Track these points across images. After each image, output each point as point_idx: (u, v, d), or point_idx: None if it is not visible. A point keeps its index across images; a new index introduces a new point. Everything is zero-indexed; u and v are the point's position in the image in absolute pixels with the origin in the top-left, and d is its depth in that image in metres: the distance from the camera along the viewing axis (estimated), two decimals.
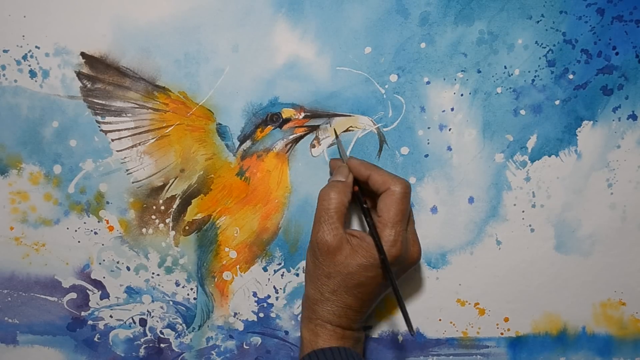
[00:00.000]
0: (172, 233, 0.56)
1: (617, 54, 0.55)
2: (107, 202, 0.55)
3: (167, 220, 0.56)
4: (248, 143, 0.55)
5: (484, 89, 0.55)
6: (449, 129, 0.56)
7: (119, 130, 0.54)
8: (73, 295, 0.57)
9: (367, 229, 0.50)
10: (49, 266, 0.56)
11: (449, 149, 0.56)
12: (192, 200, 0.56)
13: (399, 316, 0.58)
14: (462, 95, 0.55)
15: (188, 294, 0.57)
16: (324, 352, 0.49)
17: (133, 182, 0.55)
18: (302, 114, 0.55)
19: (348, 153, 0.56)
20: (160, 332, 0.58)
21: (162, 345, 0.58)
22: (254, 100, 0.55)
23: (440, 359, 0.59)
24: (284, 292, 0.57)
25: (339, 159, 0.55)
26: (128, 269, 0.57)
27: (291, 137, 0.55)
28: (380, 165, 0.56)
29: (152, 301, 0.57)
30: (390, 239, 0.49)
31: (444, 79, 0.55)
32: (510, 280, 0.58)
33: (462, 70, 0.55)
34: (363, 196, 0.52)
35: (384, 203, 0.50)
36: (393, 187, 0.49)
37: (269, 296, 0.58)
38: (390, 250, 0.48)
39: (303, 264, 0.57)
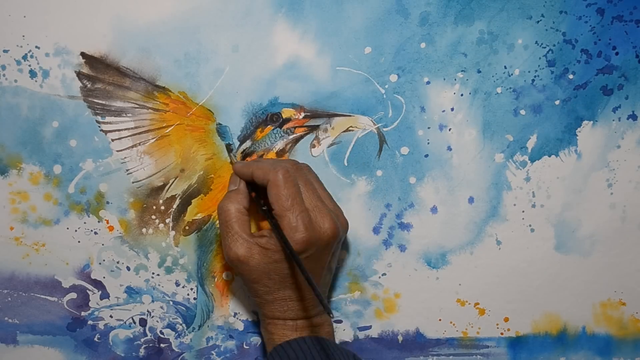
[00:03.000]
0: (172, 233, 0.56)
1: (617, 54, 0.55)
2: (107, 202, 0.55)
3: (167, 220, 0.56)
4: (248, 143, 0.55)
5: (484, 89, 0.55)
6: (449, 129, 0.56)
7: (119, 130, 0.54)
8: (73, 295, 0.57)
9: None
10: (49, 266, 0.56)
11: (449, 149, 0.56)
12: (192, 200, 0.56)
13: (399, 316, 0.58)
14: (462, 95, 0.55)
15: (188, 294, 0.57)
16: (282, 346, 0.49)
17: (133, 182, 0.55)
18: (302, 114, 0.55)
19: (348, 153, 0.56)
20: (160, 332, 0.58)
21: (162, 345, 0.58)
22: (254, 100, 0.55)
23: (440, 359, 0.59)
24: None
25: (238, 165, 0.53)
26: (128, 269, 0.57)
27: (291, 137, 0.55)
28: (380, 165, 0.56)
29: (152, 301, 0.57)
30: (291, 225, 0.47)
31: (444, 79, 0.55)
32: (510, 280, 0.58)
33: (462, 70, 0.55)
34: (263, 197, 0.50)
35: (270, 195, 0.48)
36: (272, 176, 0.48)
37: None
38: (296, 236, 0.47)
39: None
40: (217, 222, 0.56)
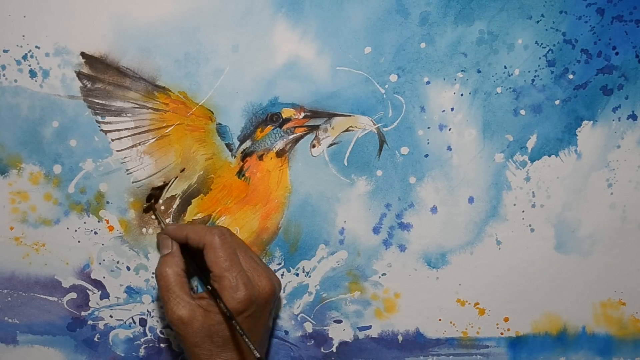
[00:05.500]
0: None
1: (617, 54, 0.55)
2: (107, 202, 0.55)
3: (167, 220, 0.56)
4: (248, 143, 0.55)
5: (484, 89, 0.55)
6: (449, 129, 0.56)
7: (119, 130, 0.54)
8: (73, 295, 0.57)
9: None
10: (49, 266, 0.56)
11: (449, 148, 0.56)
12: (192, 200, 0.56)
13: (398, 316, 0.58)
14: (462, 95, 0.55)
15: None
16: None
17: (133, 182, 0.55)
18: (302, 114, 0.55)
19: (347, 153, 0.56)
20: (160, 332, 0.58)
21: (162, 345, 0.58)
22: (254, 100, 0.55)
23: (440, 359, 0.59)
24: (284, 292, 0.57)
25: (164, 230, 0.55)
26: (128, 268, 0.57)
27: (291, 137, 0.55)
28: (380, 165, 0.56)
29: (152, 301, 0.57)
30: (231, 284, 0.48)
31: (444, 79, 0.55)
32: (510, 280, 0.58)
33: (462, 70, 0.55)
34: (194, 257, 0.52)
35: (208, 258, 0.50)
36: (208, 239, 0.50)
37: None
38: (237, 295, 0.48)
39: (303, 263, 0.57)
40: (218, 221, 0.56)
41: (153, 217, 0.55)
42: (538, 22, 0.54)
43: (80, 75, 0.54)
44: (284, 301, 0.58)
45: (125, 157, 0.55)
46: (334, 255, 0.57)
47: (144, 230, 0.56)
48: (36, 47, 0.53)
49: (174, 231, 0.53)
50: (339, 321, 0.58)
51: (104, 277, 0.57)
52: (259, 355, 0.45)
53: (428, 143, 0.56)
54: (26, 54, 0.53)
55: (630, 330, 0.59)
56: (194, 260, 0.52)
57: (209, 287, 0.49)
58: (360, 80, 0.55)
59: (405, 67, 0.54)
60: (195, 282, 0.57)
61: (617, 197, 0.57)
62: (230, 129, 0.55)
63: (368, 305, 0.58)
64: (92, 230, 0.56)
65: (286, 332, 0.58)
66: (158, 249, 0.55)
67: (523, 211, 0.57)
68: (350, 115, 0.55)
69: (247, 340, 0.46)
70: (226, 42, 0.54)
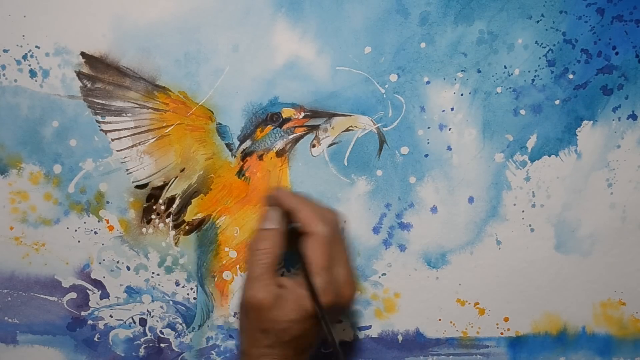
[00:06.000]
0: (172, 233, 0.56)
1: (617, 53, 0.55)
2: (107, 202, 0.55)
3: (167, 220, 0.56)
4: (248, 143, 0.55)
5: (484, 89, 0.55)
6: (449, 129, 0.56)
7: (119, 130, 0.54)
8: (73, 295, 0.57)
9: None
10: (49, 266, 0.56)
11: (449, 148, 0.56)
12: (192, 200, 0.56)
13: (398, 316, 0.58)
14: (462, 95, 0.55)
15: (188, 294, 0.57)
16: None
17: (133, 182, 0.55)
18: (302, 114, 0.55)
19: (347, 153, 0.56)
20: (160, 331, 0.58)
21: (162, 345, 0.58)
22: (254, 100, 0.55)
23: (440, 358, 0.59)
24: None
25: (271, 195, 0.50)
26: (128, 268, 0.57)
27: (291, 136, 0.55)
28: (380, 165, 0.56)
29: (152, 301, 0.57)
30: (320, 286, 0.45)
31: (444, 79, 0.55)
32: (510, 280, 0.58)
33: (462, 70, 0.55)
34: (299, 235, 0.48)
35: (308, 247, 0.46)
36: (320, 229, 0.46)
37: None
38: (321, 299, 0.45)
39: None
40: (218, 221, 0.56)
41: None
42: (538, 22, 0.54)
43: (80, 75, 0.54)
44: None
45: (125, 157, 0.55)
46: None
47: (144, 230, 0.56)
48: (36, 47, 0.53)
49: (287, 198, 0.48)
50: (339, 321, 0.58)
51: (104, 277, 0.57)
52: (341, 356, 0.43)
53: (428, 143, 0.56)
54: (26, 54, 0.53)
55: (630, 330, 0.59)
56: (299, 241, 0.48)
57: (304, 279, 0.46)
58: (360, 80, 0.55)
59: (405, 67, 0.54)
60: (196, 283, 0.57)
61: (617, 197, 0.57)
62: (230, 128, 0.55)
63: (368, 305, 0.58)
64: (92, 230, 0.56)
65: None
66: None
67: (523, 211, 0.57)
68: (350, 115, 0.55)
69: (333, 339, 0.44)
70: (226, 42, 0.54)
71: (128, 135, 0.55)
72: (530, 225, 0.57)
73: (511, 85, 0.55)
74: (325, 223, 0.47)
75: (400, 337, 0.59)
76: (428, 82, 0.55)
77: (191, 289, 0.57)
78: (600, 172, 0.57)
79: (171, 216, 0.56)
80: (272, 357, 0.47)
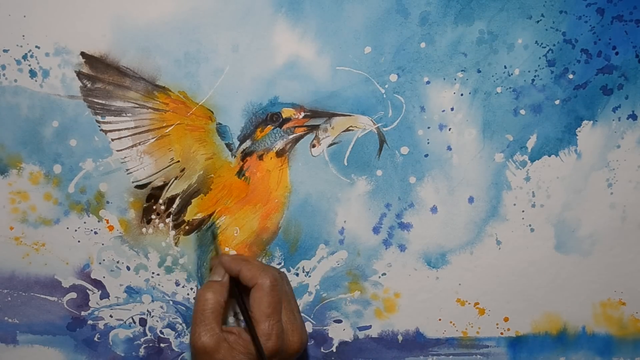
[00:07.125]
0: (172, 233, 0.56)
1: (617, 53, 0.55)
2: (107, 202, 0.56)
3: (167, 220, 0.56)
4: (248, 143, 0.55)
5: (484, 89, 0.55)
6: (449, 129, 0.56)
7: (119, 130, 0.54)
8: (73, 295, 0.57)
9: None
10: (49, 266, 0.56)
11: (449, 148, 0.56)
12: (192, 200, 0.56)
13: (398, 316, 0.58)
14: (462, 95, 0.55)
15: (188, 294, 0.57)
16: None
17: (133, 182, 0.55)
18: (302, 114, 0.55)
19: (347, 153, 0.56)
20: (160, 331, 0.58)
21: (162, 345, 0.58)
22: (254, 100, 0.55)
23: (440, 358, 0.59)
24: None
25: (217, 257, 0.55)
26: (128, 268, 0.57)
27: (291, 136, 0.55)
28: (380, 165, 0.56)
29: (152, 301, 0.57)
30: (265, 332, 0.49)
31: (444, 79, 0.55)
32: (510, 280, 0.58)
33: (462, 70, 0.55)
34: (242, 292, 0.52)
35: (253, 298, 0.50)
36: (260, 281, 0.50)
37: None
38: (267, 344, 0.48)
39: (303, 263, 0.57)
40: (218, 221, 0.56)
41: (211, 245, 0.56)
42: (538, 22, 0.54)
43: (80, 75, 0.54)
44: None
45: (125, 157, 0.55)
46: (334, 255, 0.57)
47: (144, 230, 0.56)
48: (36, 47, 0.53)
49: (228, 263, 0.53)
50: (339, 321, 0.58)
51: (104, 277, 0.57)
52: None
53: (428, 143, 0.56)
54: (26, 54, 0.53)
55: (630, 330, 0.59)
56: (241, 293, 0.52)
57: (244, 324, 0.50)
58: (360, 80, 0.55)
59: (405, 67, 0.54)
60: (196, 283, 0.57)
61: (617, 197, 0.57)
62: (230, 128, 0.55)
63: (368, 305, 0.58)
64: (92, 230, 0.56)
65: None
66: (209, 271, 0.55)
67: (523, 211, 0.57)
68: (350, 115, 0.55)
69: None
70: (226, 42, 0.54)
71: (128, 135, 0.55)
72: (530, 225, 0.57)
73: (511, 85, 0.55)
74: (268, 275, 0.50)
75: (400, 337, 0.59)
76: (428, 82, 0.55)
77: (191, 289, 0.57)
78: (600, 172, 0.57)
79: (171, 216, 0.56)
80: None
